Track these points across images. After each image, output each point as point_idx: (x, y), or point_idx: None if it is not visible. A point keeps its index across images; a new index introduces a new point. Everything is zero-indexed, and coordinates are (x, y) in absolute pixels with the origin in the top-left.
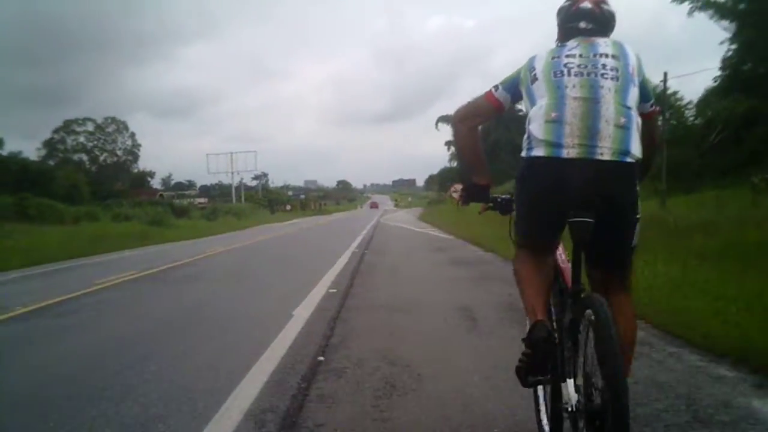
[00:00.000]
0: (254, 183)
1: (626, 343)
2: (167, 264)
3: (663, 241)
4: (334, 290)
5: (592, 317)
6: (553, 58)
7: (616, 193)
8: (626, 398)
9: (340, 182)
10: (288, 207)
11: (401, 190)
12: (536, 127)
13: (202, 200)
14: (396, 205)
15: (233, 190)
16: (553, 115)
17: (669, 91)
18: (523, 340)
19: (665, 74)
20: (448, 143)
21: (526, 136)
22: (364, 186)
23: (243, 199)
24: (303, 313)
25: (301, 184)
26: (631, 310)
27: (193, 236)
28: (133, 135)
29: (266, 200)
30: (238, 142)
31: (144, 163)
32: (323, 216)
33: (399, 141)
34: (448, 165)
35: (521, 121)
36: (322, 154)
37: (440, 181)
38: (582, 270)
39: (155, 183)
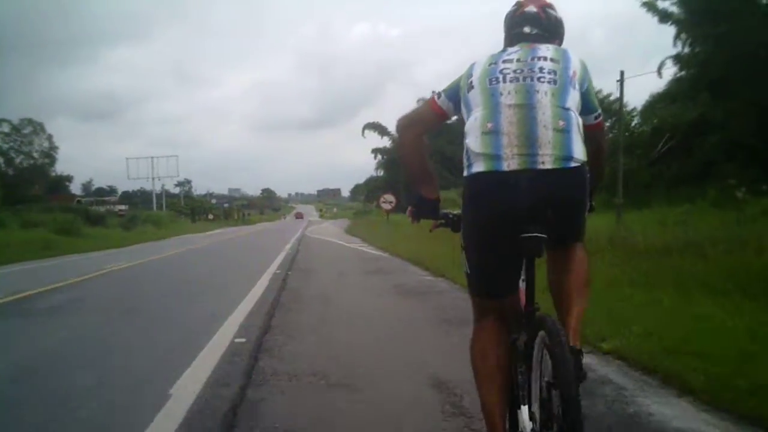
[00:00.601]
0: (177, 190)
1: (581, 280)
2: (47, 285)
3: (642, 265)
4: (242, 340)
5: (546, 339)
6: (490, 64)
7: (566, 202)
8: (582, 424)
9: (264, 191)
10: (210, 216)
11: (326, 200)
12: (473, 140)
13: (122, 207)
14: (321, 216)
15: (154, 197)
16: (489, 125)
17: (612, 98)
18: None
19: (622, 73)
20: (375, 151)
21: (464, 152)
22: (289, 195)
23: (164, 206)
24: (186, 392)
25: (225, 191)
26: (583, 254)
27: (103, 247)
28: (50, 137)
29: (188, 208)
30: (162, 147)
31: (65, 168)
32: (247, 226)
33: (324, 150)
34: (374, 174)
35: (450, 128)
36: (247, 161)
37: (367, 191)
38: (535, 288)
39: (75, 188)
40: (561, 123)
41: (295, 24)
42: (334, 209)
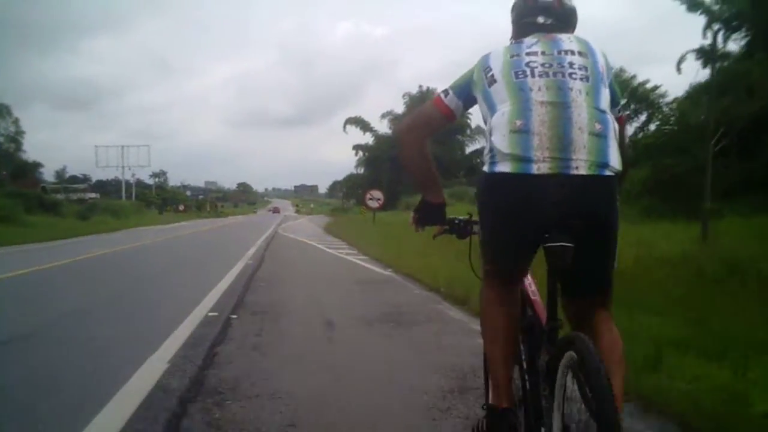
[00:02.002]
0: (152, 181)
1: (614, 362)
2: None
3: None
4: None
5: (576, 360)
6: (512, 56)
7: (597, 212)
8: None
9: (240, 184)
10: (181, 207)
11: (303, 196)
12: (500, 139)
13: (93, 195)
14: (297, 211)
15: (123, 186)
16: (518, 123)
17: (648, 86)
18: (483, 407)
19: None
20: (356, 147)
21: (488, 149)
22: (266, 189)
23: (134, 196)
24: None
25: (201, 184)
26: (616, 334)
27: (36, 239)
28: (17, 121)
29: (160, 199)
30: (140, 138)
31: (40, 155)
32: (218, 219)
33: (302, 146)
34: (354, 171)
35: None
36: (225, 155)
37: (347, 187)
38: (557, 301)
39: (48, 175)
40: (598, 126)
41: (277, 19)
42: (311, 205)
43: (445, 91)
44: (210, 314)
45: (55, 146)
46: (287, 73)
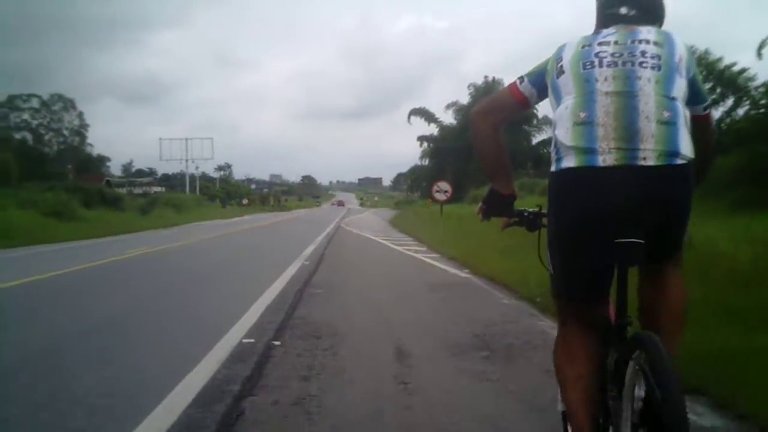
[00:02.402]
0: (217, 174)
1: (677, 324)
2: None
3: None
4: None
5: (643, 360)
6: (583, 46)
7: (670, 204)
8: None
9: (305, 177)
10: (245, 201)
11: (367, 189)
12: (563, 132)
13: (157, 189)
14: (361, 204)
15: (187, 179)
16: (582, 115)
17: (735, 69)
18: None
19: None
20: (420, 138)
21: (553, 145)
22: (330, 183)
23: (198, 189)
24: None
25: (266, 177)
26: (680, 278)
27: (85, 235)
28: (80, 114)
29: (224, 192)
30: (204, 131)
31: (105, 149)
32: (282, 213)
33: (366, 139)
34: (419, 163)
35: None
36: (289, 148)
37: (411, 180)
38: (627, 297)
39: (115, 169)
40: (666, 114)
41: (338, 13)
42: (375, 198)
43: (521, 78)
44: (245, 341)
45: (122, 140)
46: (350, 66)
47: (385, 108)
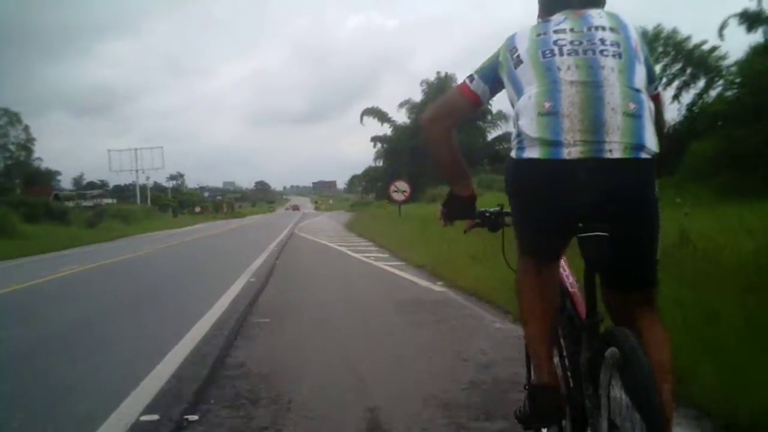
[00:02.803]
0: (170, 183)
1: (663, 374)
2: None
3: None
4: None
5: (618, 357)
6: (538, 35)
7: (634, 199)
8: None
9: (258, 183)
10: (197, 209)
11: (322, 192)
12: (527, 123)
13: (108, 201)
14: (316, 208)
15: (138, 190)
16: (547, 105)
17: (705, 47)
18: (526, 387)
19: None
20: (374, 139)
21: (515, 134)
22: (284, 187)
23: (149, 200)
24: None
25: (219, 185)
26: (662, 333)
27: (20, 253)
28: (27, 128)
29: (176, 201)
30: (156, 141)
31: (56, 163)
32: (235, 220)
33: (319, 142)
34: (373, 164)
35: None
36: (242, 155)
37: (366, 182)
38: (597, 294)
39: (66, 183)
40: (632, 106)
41: (289, 15)
42: (330, 201)
43: (470, 77)
44: (144, 418)
45: (74, 153)
46: (301, 69)
47: (338, 110)
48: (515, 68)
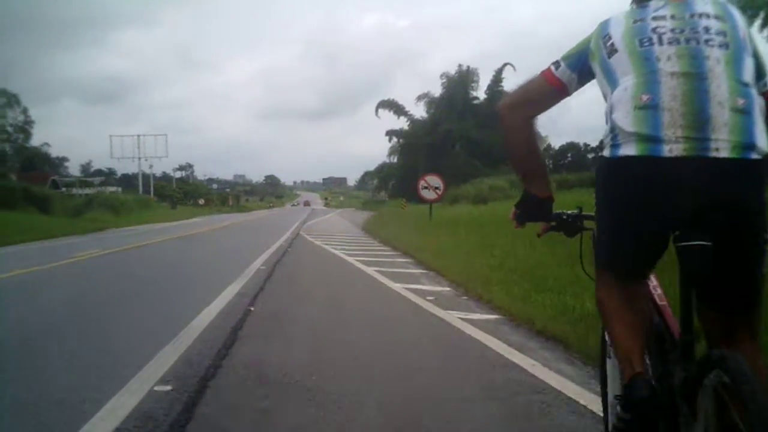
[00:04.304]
0: (179, 174)
1: None
2: None
3: None
4: None
5: (725, 381)
6: (635, 21)
7: (742, 204)
8: None
9: (268, 177)
10: (201, 201)
11: (332, 189)
12: (622, 116)
13: (113, 189)
14: (326, 205)
15: (140, 178)
16: (645, 98)
17: None
18: (617, 398)
19: None
20: (389, 133)
21: (608, 129)
22: (294, 183)
23: (152, 189)
24: None
25: (230, 177)
26: (759, 356)
27: None
28: (25, 110)
29: (181, 192)
30: (167, 131)
31: (65, 149)
32: (240, 214)
33: (330, 139)
34: (387, 160)
35: (477, 110)
36: (253, 149)
37: (379, 179)
38: (693, 311)
39: (74, 169)
40: (740, 101)
41: (302, 12)
42: (341, 198)
43: (556, 63)
44: None
45: (85, 140)
46: (314, 65)
47: (350, 107)
48: (609, 57)
